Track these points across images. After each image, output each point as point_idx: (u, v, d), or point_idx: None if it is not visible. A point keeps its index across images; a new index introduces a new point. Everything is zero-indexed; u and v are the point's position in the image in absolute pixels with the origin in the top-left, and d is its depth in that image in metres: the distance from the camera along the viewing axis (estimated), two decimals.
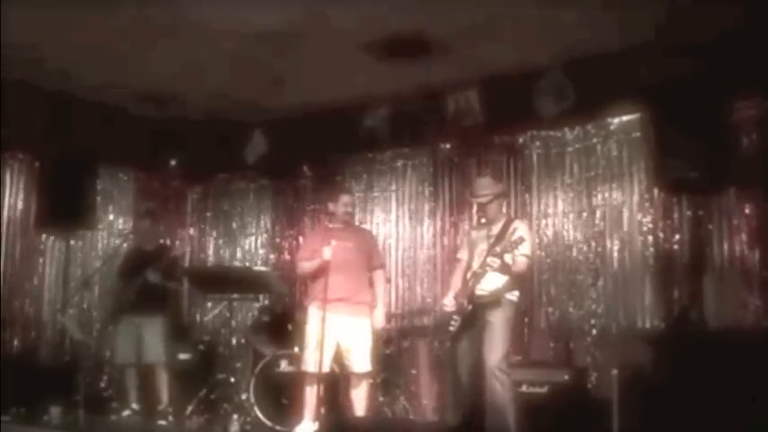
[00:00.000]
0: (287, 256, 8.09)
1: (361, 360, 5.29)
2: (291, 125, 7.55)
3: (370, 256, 5.59)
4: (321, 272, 5.25)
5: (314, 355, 5.19)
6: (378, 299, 5.54)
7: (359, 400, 5.34)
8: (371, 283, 5.58)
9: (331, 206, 5.60)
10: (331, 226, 5.56)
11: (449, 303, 5.09)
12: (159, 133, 7.79)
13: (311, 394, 5.25)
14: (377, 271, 5.64)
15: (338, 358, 5.33)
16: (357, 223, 7.36)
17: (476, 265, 5.07)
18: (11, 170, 7.40)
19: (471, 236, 5.37)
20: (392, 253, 7.43)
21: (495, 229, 5.12)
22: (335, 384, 5.46)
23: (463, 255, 5.35)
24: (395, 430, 6.02)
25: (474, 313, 4.96)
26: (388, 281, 7.19)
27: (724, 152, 5.42)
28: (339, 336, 5.26)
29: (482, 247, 5.13)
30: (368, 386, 5.43)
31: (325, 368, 5.19)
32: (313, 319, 5.32)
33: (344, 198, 5.62)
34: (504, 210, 5.56)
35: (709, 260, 5.76)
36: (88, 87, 7.01)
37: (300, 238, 7.92)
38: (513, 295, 5.03)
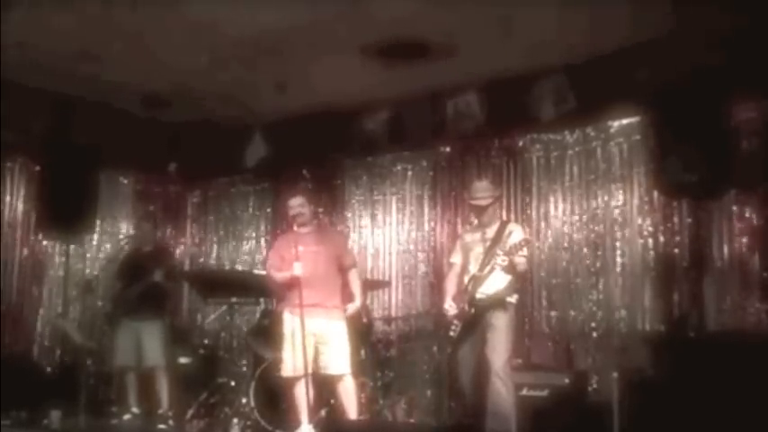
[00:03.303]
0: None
1: (340, 362, 5.26)
2: (291, 128, 7.54)
3: (340, 258, 5.51)
4: (292, 284, 5.21)
5: (292, 361, 5.19)
6: (356, 297, 5.49)
7: (348, 402, 5.32)
8: (346, 285, 5.52)
9: (286, 212, 5.56)
10: (298, 231, 5.43)
11: (450, 307, 5.09)
12: (159, 136, 7.79)
13: (300, 398, 5.24)
14: (351, 271, 5.55)
15: (317, 361, 5.30)
16: (350, 226, 7.43)
17: (473, 268, 5.08)
18: (11, 174, 7.40)
19: (465, 239, 5.37)
20: (392, 256, 7.44)
21: (490, 231, 5.13)
22: (324, 387, 5.45)
23: (456, 259, 5.35)
24: None
25: (475, 317, 4.96)
26: (388, 284, 7.23)
27: (724, 155, 5.41)
28: (317, 339, 5.25)
29: (478, 250, 5.14)
30: (357, 387, 5.41)
31: (308, 372, 5.18)
32: (288, 324, 5.28)
33: (292, 202, 5.51)
34: (498, 213, 5.59)
35: (709, 263, 5.76)
36: (89, 91, 7.01)
37: None
38: (513, 298, 5.06)
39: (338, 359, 5.26)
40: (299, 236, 5.38)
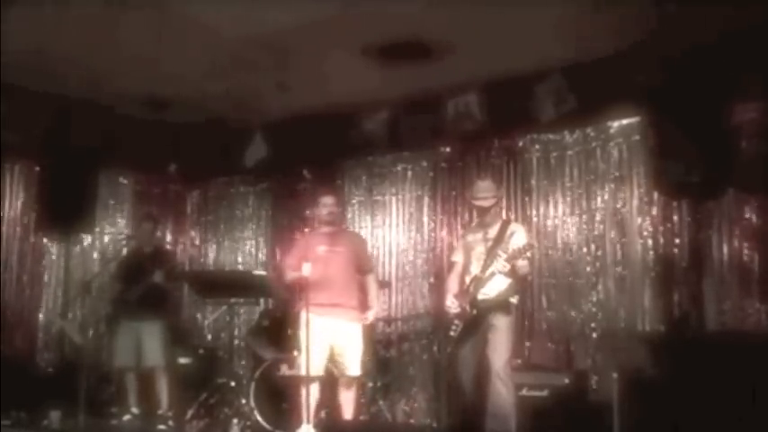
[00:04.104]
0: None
1: (353, 364, 5.31)
2: (291, 129, 7.55)
3: (360, 261, 5.57)
4: (311, 283, 5.20)
5: (309, 360, 5.17)
6: (373, 302, 5.55)
7: (350, 403, 5.36)
8: (363, 288, 5.56)
9: (314, 210, 5.56)
10: (319, 230, 5.49)
11: (451, 305, 5.09)
12: (159, 137, 7.80)
13: (308, 398, 5.23)
14: (368, 275, 5.62)
15: (331, 362, 5.33)
16: (350, 226, 7.43)
17: (475, 268, 5.08)
18: (11, 174, 7.40)
19: (467, 238, 5.37)
20: (392, 257, 7.44)
21: (492, 231, 5.13)
22: (331, 388, 5.46)
23: (458, 257, 5.35)
24: None
25: (477, 317, 4.96)
26: (388, 284, 7.22)
27: (724, 155, 5.42)
28: (333, 340, 5.27)
29: (479, 249, 5.13)
30: (358, 389, 5.45)
31: (320, 372, 5.21)
32: (308, 324, 5.25)
33: (325, 200, 5.56)
34: (500, 213, 5.59)
35: (709, 263, 5.76)
36: (88, 91, 7.01)
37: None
38: (515, 298, 5.06)
39: (352, 361, 5.30)
40: (321, 236, 5.44)
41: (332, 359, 5.30)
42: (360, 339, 5.36)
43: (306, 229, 5.49)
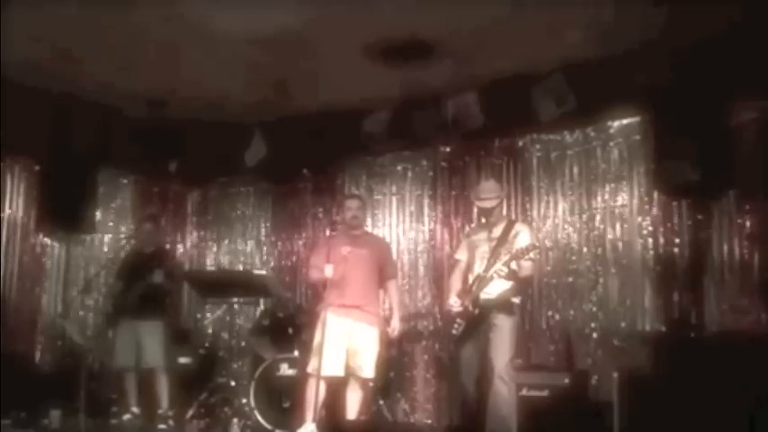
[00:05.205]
0: (287, 260, 8.10)
1: (367, 366, 5.34)
2: (292, 128, 7.54)
3: (384, 265, 5.61)
4: (334, 283, 5.23)
5: (327, 359, 5.14)
6: (395, 308, 5.62)
7: (360, 404, 5.38)
8: (385, 293, 5.64)
9: (339, 213, 5.60)
10: (343, 233, 5.56)
11: (455, 304, 5.08)
12: (160, 137, 7.79)
13: (317, 397, 5.19)
14: (390, 281, 5.66)
15: (346, 363, 5.34)
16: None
17: (478, 267, 5.08)
18: (11, 174, 7.39)
19: (471, 237, 5.37)
20: (393, 256, 7.43)
21: (497, 231, 5.13)
22: (341, 388, 5.46)
23: (462, 255, 5.35)
24: None
25: (479, 317, 4.96)
26: None
27: (724, 155, 5.42)
28: (350, 341, 5.29)
29: (483, 248, 5.13)
30: (368, 390, 5.46)
31: (336, 372, 5.22)
32: (327, 323, 5.23)
33: (350, 203, 5.65)
34: (504, 213, 5.59)
35: (709, 263, 5.76)
36: (89, 91, 7.01)
37: (300, 242, 7.96)
38: (517, 298, 5.05)
39: (368, 363, 5.33)
40: (345, 238, 5.49)
41: (347, 360, 5.30)
42: (376, 342, 5.39)
43: (335, 231, 5.54)
